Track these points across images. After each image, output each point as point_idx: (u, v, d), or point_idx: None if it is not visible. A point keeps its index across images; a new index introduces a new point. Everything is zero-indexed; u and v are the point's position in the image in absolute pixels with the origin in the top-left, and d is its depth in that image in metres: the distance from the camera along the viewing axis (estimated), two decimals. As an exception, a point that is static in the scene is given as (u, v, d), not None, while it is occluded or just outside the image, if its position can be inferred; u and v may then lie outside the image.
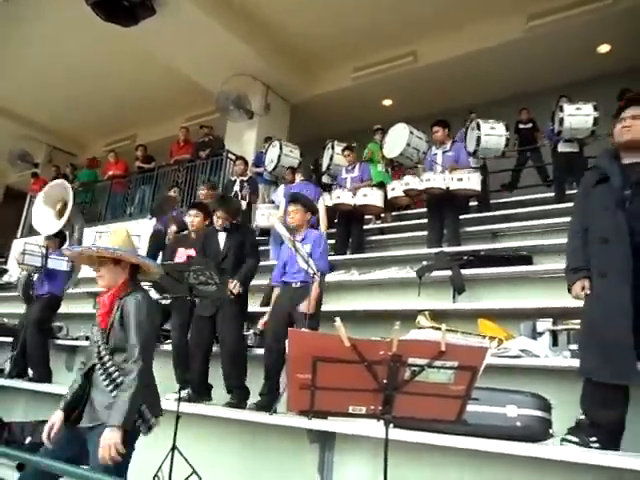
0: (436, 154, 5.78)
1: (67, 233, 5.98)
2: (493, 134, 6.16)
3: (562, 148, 6.23)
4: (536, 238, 5.11)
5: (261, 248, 6.40)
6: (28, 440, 4.06)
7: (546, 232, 5.27)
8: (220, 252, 4.09)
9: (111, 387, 2.26)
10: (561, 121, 5.90)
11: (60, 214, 5.15)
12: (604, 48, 8.02)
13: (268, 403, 3.59)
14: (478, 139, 6.14)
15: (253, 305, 4.76)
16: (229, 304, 3.90)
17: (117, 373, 2.28)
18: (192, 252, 4.40)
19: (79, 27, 8.13)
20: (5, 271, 6.99)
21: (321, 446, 3.06)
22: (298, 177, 6.62)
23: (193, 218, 4.57)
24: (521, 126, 7.82)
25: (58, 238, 5.61)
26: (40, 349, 5.19)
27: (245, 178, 7.54)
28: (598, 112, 5.76)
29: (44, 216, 5.43)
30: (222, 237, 4.16)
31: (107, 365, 2.30)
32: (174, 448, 3.12)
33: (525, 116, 7.84)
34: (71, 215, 5.60)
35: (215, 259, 3.98)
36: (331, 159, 7.42)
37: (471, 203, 6.45)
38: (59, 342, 5.64)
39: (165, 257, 5.00)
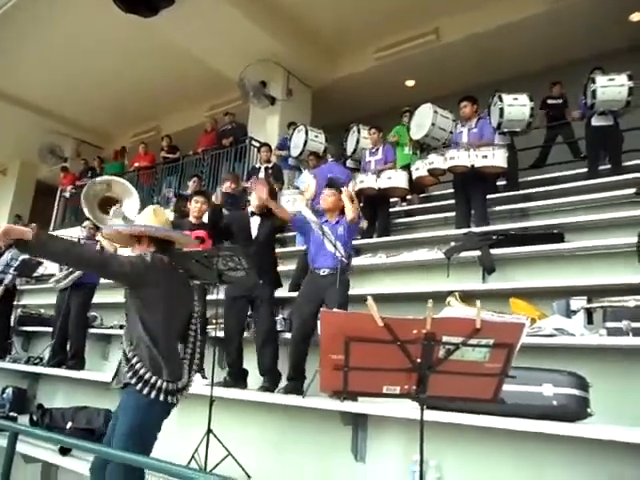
0: (462, 132, 5.67)
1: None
2: (516, 104, 6.03)
3: (596, 122, 5.98)
4: (567, 215, 4.99)
5: (288, 234, 6.45)
6: (69, 425, 4.18)
7: (577, 209, 5.15)
8: (250, 236, 4.11)
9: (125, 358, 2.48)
10: (593, 93, 5.70)
11: (102, 206, 5.12)
12: (636, 16, 7.70)
13: (295, 388, 3.63)
14: (501, 110, 6.02)
15: (281, 290, 4.78)
16: (263, 288, 3.94)
17: (125, 346, 2.48)
18: (200, 233, 4.37)
19: (101, 20, 8.20)
20: (40, 263, 7.15)
21: (354, 428, 3.08)
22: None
23: (201, 205, 4.52)
24: (550, 102, 7.54)
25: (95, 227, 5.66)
26: (83, 336, 5.33)
27: (270, 165, 7.55)
28: (633, 82, 5.54)
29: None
30: (255, 222, 4.18)
31: (122, 337, 2.58)
32: (209, 431, 3.18)
33: (557, 91, 7.49)
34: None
35: (244, 243, 4.01)
36: (357, 143, 7.36)
37: (499, 182, 6.34)
38: (94, 331, 5.77)
39: None
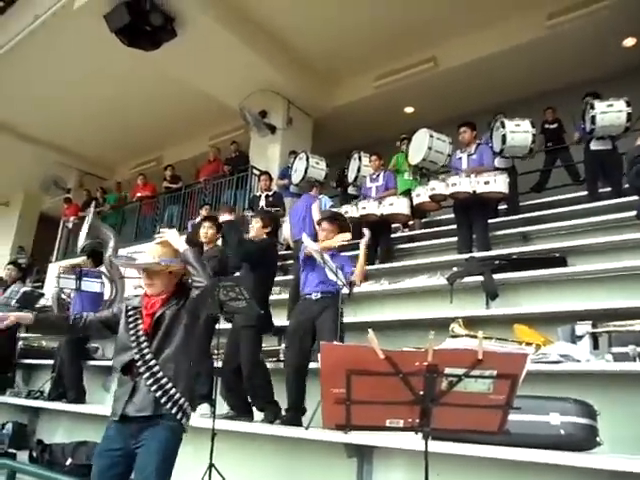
0: (461, 158, 5.71)
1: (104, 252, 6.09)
2: (518, 131, 6.04)
3: (595, 146, 6.03)
4: (569, 239, 4.98)
5: (288, 262, 6.45)
6: (69, 462, 4.11)
7: (579, 232, 5.14)
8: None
9: (155, 387, 2.31)
10: (593, 119, 5.74)
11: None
12: (630, 42, 7.83)
13: (292, 419, 3.58)
14: (504, 137, 6.03)
15: (282, 319, 4.75)
16: (245, 320, 3.86)
17: (161, 373, 2.33)
18: None
19: (102, 52, 8.33)
20: (42, 295, 7.14)
21: (359, 460, 3.02)
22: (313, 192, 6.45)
23: (207, 229, 4.58)
24: (546, 126, 7.68)
25: (91, 258, 5.72)
26: (74, 369, 5.27)
27: (270, 193, 7.59)
28: (631, 108, 5.60)
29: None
30: None
31: (151, 364, 2.34)
32: (211, 466, 3.11)
33: (551, 116, 7.68)
34: (98, 232, 5.67)
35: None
36: (358, 170, 7.41)
37: (500, 207, 6.34)
38: (94, 363, 5.72)
39: None
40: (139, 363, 2.35)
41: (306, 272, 3.94)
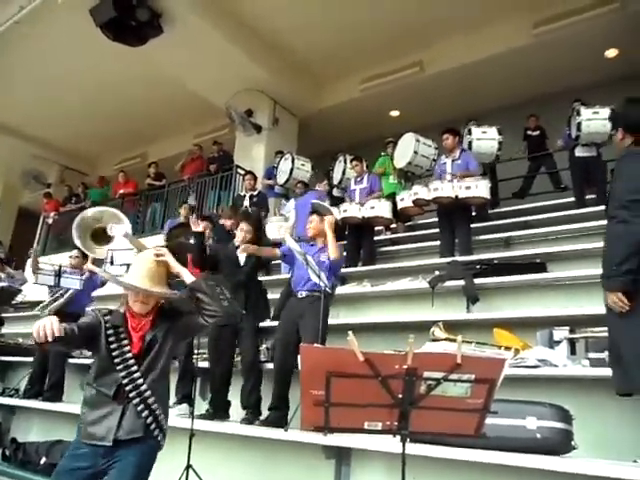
0: (445, 163, 5.75)
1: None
2: (485, 138, 6.14)
3: (580, 153, 6.13)
4: (550, 245, 5.04)
5: (273, 262, 6.42)
6: (43, 461, 4.04)
7: (560, 239, 5.20)
8: (238, 265, 4.12)
9: (146, 412, 2.23)
10: (578, 125, 5.82)
11: (94, 237, 5.04)
12: (612, 52, 7.98)
13: (278, 418, 3.57)
14: (469, 144, 6.13)
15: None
16: (247, 318, 3.91)
17: (152, 398, 2.25)
18: None
19: (88, 46, 8.23)
20: (19, 291, 7.02)
21: (337, 462, 3.02)
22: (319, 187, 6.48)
23: (209, 230, 4.59)
24: (529, 133, 7.79)
25: (83, 256, 5.62)
26: (61, 367, 5.21)
27: (255, 193, 7.56)
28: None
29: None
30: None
31: (142, 389, 2.25)
32: (189, 467, 3.09)
33: (533, 124, 7.79)
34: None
35: (231, 271, 4.01)
36: (343, 173, 7.42)
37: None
38: (73, 361, 5.62)
39: None
40: (128, 387, 2.24)
41: (295, 270, 3.95)
